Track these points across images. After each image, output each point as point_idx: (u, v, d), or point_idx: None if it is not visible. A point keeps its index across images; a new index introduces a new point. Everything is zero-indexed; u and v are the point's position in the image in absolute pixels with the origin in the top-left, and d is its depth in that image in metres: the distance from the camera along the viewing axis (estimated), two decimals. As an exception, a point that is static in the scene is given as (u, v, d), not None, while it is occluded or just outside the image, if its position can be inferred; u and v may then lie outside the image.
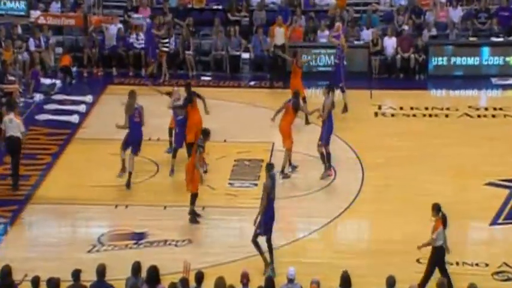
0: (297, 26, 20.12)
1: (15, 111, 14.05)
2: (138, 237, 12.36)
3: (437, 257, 10.47)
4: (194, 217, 12.69)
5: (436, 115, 17.29)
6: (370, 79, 19.32)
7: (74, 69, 19.54)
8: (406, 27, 19.85)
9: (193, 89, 15.06)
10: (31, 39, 19.61)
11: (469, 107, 17.60)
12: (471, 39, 20.06)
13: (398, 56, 19.58)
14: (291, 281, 9.73)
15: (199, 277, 9.52)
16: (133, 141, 13.81)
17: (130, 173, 13.77)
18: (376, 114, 17.34)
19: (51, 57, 19.50)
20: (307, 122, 15.88)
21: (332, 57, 19.03)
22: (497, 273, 11.34)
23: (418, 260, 11.60)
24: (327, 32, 19.96)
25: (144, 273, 9.55)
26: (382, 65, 19.69)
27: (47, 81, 18.65)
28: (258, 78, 19.59)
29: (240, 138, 15.68)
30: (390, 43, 19.65)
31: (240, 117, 16.79)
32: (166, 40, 19.58)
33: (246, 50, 20.16)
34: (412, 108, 17.53)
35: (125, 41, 19.99)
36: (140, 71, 19.89)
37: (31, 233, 12.83)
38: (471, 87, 19.07)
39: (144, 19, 20.57)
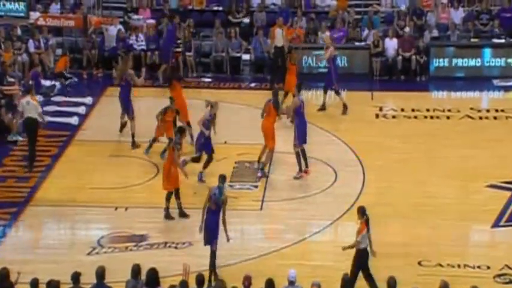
0: (297, 27, 20.08)
1: (32, 93, 14.74)
2: (138, 239, 12.30)
3: (361, 260, 10.41)
4: (183, 213, 12.69)
5: (437, 117, 17.23)
6: (371, 81, 19.27)
7: (67, 72, 19.37)
8: (407, 29, 19.80)
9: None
10: (30, 41, 19.57)
11: (471, 108, 17.55)
12: (473, 40, 20.01)
13: (400, 58, 19.52)
14: (291, 283, 9.67)
15: (200, 280, 9.48)
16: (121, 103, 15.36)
17: (132, 134, 15.14)
18: (377, 116, 17.29)
19: (51, 59, 19.45)
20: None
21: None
22: (499, 275, 11.28)
23: (419, 263, 11.55)
24: (327, 33, 19.92)
25: (143, 276, 9.48)
26: (383, 67, 19.64)
27: (46, 82, 18.59)
28: (258, 80, 19.55)
29: (241, 140, 15.63)
30: (391, 44, 19.60)
31: (241, 119, 16.73)
32: (180, 41, 19.54)
33: (247, 52, 20.12)
34: (413, 110, 17.47)
35: (124, 43, 19.94)
36: (139, 72, 19.81)
37: (30, 235, 12.76)
38: (473, 89, 19.02)
39: (144, 20, 20.53)
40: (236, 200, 13.52)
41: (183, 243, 12.17)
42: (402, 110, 17.59)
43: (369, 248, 10.48)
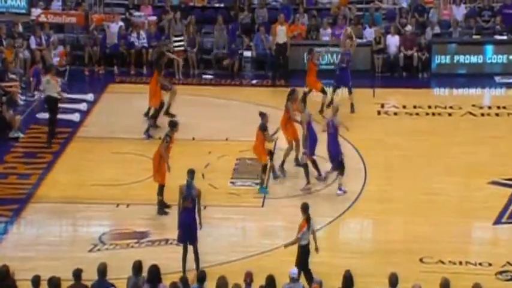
0: (299, 24, 20.04)
1: (52, 72, 15.86)
2: (140, 236, 12.30)
3: (301, 256, 10.43)
4: (162, 208, 12.65)
5: (439, 114, 17.21)
6: (373, 77, 19.23)
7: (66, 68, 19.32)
8: (409, 27, 19.75)
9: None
10: (32, 37, 19.54)
11: (473, 105, 17.52)
12: (474, 37, 19.95)
13: (401, 55, 19.49)
14: (293, 280, 9.65)
15: (202, 276, 9.47)
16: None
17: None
18: (379, 112, 17.27)
19: (52, 55, 19.41)
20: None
21: (334, 56, 18.98)
22: (500, 272, 11.27)
23: (421, 260, 11.54)
24: (329, 30, 19.89)
25: (145, 273, 9.48)
26: (385, 64, 19.60)
27: (48, 79, 18.55)
28: (260, 77, 19.52)
29: (242, 137, 15.59)
30: (393, 41, 19.56)
31: (242, 116, 16.71)
32: (181, 38, 19.48)
33: (248, 49, 20.09)
34: (415, 107, 17.45)
35: (126, 39, 19.92)
36: (142, 70, 19.82)
37: (32, 232, 12.75)
38: (474, 86, 18.98)
39: (145, 17, 20.50)
40: (238, 197, 13.53)
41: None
42: (404, 107, 17.57)
43: (311, 246, 10.51)
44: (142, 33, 19.98)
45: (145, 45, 19.89)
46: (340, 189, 13.43)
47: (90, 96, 18.02)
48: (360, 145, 15.28)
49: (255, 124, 14.97)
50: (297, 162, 14.15)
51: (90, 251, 11.85)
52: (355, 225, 13.02)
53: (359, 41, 19.79)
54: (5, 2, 19.90)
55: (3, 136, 15.78)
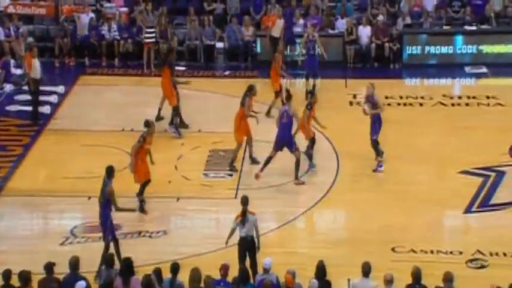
0: (271, 15, 20.02)
1: (33, 53, 15.99)
2: (112, 228, 12.20)
3: (240, 247, 10.46)
4: (142, 206, 12.57)
5: (410, 104, 17.33)
6: (345, 68, 19.30)
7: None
8: (380, 17, 19.84)
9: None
10: (0, 29, 19.27)
11: (443, 95, 17.68)
12: (445, 28, 20.13)
13: (373, 45, 19.58)
14: (266, 271, 9.67)
15: (175, 268, 9.45)
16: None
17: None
18: (351, 103, 17.34)
19: (22, 47, 19.16)
20: (268, 114, 15.81)
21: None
22: (471, 260, 11.41)
23: (393, 249, 11.64)
24: (301, 21, 19.89)
25: (117, 265, 9.43)
26: (357, 54, 19.68)
27: (17, 71, 18.33)
28: (232, 68, 19.47)
29: (215, 129, 15.57)
30: (365, 32, 19.64)
31: (215, 107, 16.68)
32: (153, 30, 19.32)
33: (221, 40, 20.02)
34: (386, 97, 17.51)
35: (97, 31, 19.73)
36: (113, 61, 19.65)
37: (2, 226, 12.60)
38: (445, 76, 19.14)
39: (116, 8, 20.32)
40: (211, 189, 13.51)
41: (158, 233, 12.14)
42: (376, 97, 17.64)
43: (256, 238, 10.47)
44: (114, 25, 19.81)
45: (117, 36, 19.73)
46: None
47: (60, 89, 17.82)
48: (332, 135, 15.33)
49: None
50: (252, 160, 14.07)
51: (62, 244, 11.76)
52: (328, 215, 13.08)
53: (331, 31, 19.91)
54: (-27, -7, 19.63)
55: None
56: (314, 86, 17.37)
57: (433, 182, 13.83)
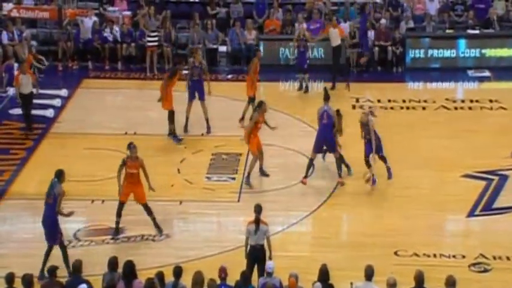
0: (273, 19, 20.06)
1: (23, 67, 15.83)
2: (115, 232, 12.21)
3: (249, 255, 10.44)
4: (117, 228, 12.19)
5: (413, 107, 17.34)
6: (347, 72, 19.27)
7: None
8: (383, 21, 19.84)
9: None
10: (4, 33, 19.31)
11: (446, 99, 17.67)
12: (448, 31, 20.13)
13: (376, 49, 19.58)
14: (269, 274, 9.67)
15: (178, 272, 9.45)
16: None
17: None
18: (353, 107, 17.34)
19: (25, 51, 19.19)
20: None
21: (310, 50, 19.09)
22: (474, 264, 11.40)
23: (395, 253, 11.63)
24: (304, 25, 19.91)
25: (121, 269, 9.44)
26: (360, 58, 19.67)
27: (21, 75, 18.35)
28: (235, 72, 19.50)
29: (218, 132, 15.59)
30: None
31: (217, 111, 16.69)
32: (155, 34, 19.35)
33: (223, 43, 20.05)
34: (389, 101, 17.56)
35: (100, 34, 19.77)
36: (116, 65, 19.69)
37: (5, 229, 12.62)
38: (448, 80, 19.14)
39: (119, 12, 20.36)
40: (213, 192, 13.52)
41: (160, 236, 12.14)
42: (378, 101, 17.67)
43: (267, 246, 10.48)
44: (116, 28, 19.85)
45: (119, 40, 19.76)
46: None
47: (64, 92, 17.86)
48: (335, 139, 15.31)
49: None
50: (262, 172, 14.00)
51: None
52: (330, 219, 13.07)
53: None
54: (-24, -3, 19.67)
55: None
56: (307, 86, 17.77)
57: (436, 186, 13.82)
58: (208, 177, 13.99)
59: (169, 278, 9.46)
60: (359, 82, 18.77)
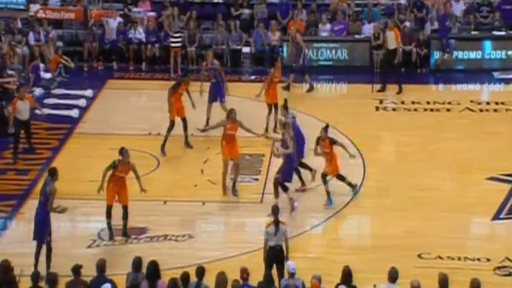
0: (297, 20, 20.05)
1: (21, 94, 14.88)
2: (138, 232, 12.31)
3: (269, 256, 10.37)
4: (111, 230, 12.11)
5: (437, 109, 17.22)
6: (371, 73, 19.23)
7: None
8: (407, 24, 19.74)
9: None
10: (31, 33, 19.54)
11: (471, 101, 17.53)
12: (473, 33, 19.97)
13: (400, 50, 19.45)
14: (291, 275, 9.66)
15: (200, 272, 9.47)
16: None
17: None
18: (377, 108, 17.28)
19: (51, 51, 19.41)
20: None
21: (333, 51, 19.04)
22: (498, 268, 11.29)
23: (419, 255, 11.56)
24: (328, 26, 19.89)
25: (144, 269, 9.49)
26: (384, 59, 19.57)
27: (46, 75, 18.57)
28: (258, 73, 19.51)
29: (241, 133, 15.60)
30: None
31: (241, 112, 16.66)
32: (179, 34, 19.45)
33: (247, 44, 20.08)
34: (413, 103, 17.46)
35: (124, 35, 19.91)
36: (141, 66, 19.82)
37: (31, 228, 12.70)
38: (473, 82, 18.99)
39: (144, 13, 20.49)
40: (237, 192, 13.53)
41: (183, 236, 12.19)
42: (402, 102, 17.58)
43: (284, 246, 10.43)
44: (141, 29, 19.98)
45: (144, 40, 19.89)
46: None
47: (89, 92, 18.02)
48: (358, 141, 15.29)
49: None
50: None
51: (89, 247, 11.87)
52: (354, 221, 13.04)
53: (357, 36, 19.85)
54: (4, -3, 19.92)
55: (1, 132, 15.77)
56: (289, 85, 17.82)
57: (461, 188, 13.71)
58: (231, 178, 14.01)
59: (192, 278, 9.48)
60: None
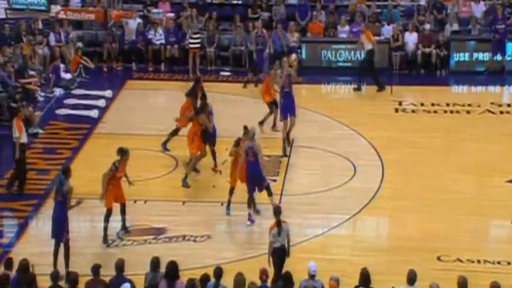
0: (316, 21, 20.03)
1: (19, 115, 13.75)
2: (157, 232, 12.36)
3: (275, 257, 10.35)
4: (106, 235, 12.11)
5: (457, 111, 17.11)
6: (390, 75, 19.15)
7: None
8: (427, 26, 19.64)
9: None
10: (51, 34, 19.70)
11: (491, 103, 17.40)
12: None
13: (419, 52, 19.39)
14: (312, 277, 9.63)
15: (218, 273, 9.48)
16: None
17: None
18: (396, 110, 17.21)
19: (72, 52, 19.55)
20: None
21: (352, 53, 19.00)
22: (519, 271, 11.19)
23: (438, 258, 11.50)
24: (347, 28, 19.85)
25: (163, 269, 9.53)
26: (403, 61, 19.52)
27: (67, 76, 18.71)
28: (277, 74, 19.47)
29: (260, 134, 15.59)
30: (411, 39, 19.47)
31: (260, 113, 16.71)
32: (198, 35, 19.50)
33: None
34: (433, 105, 17.37)
35: (144, 36, 20.00)
36: (160, 66, 19.90)
37: (51, 228, 12.83)
38: (493, 84, 18.84)
39: (163, 14, 20.57)
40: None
41: (202, 237, 12.22)
42: (422, 104, 17.49)
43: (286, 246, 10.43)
44: (160, 30, 20.06)
45: (163, 41, 19.97)
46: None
47: (108, 93, 18.12)
48: (377, 142, 15.24)
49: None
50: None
51: (108, 246, 11.93)
52: (372, 222, 13.00)
53: (377, 38, 19.77)
54: (25, -1, 20.09)
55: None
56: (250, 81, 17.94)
57: (480, 191, 13.62)
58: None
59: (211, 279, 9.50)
60: (402, 85, 18.61)
